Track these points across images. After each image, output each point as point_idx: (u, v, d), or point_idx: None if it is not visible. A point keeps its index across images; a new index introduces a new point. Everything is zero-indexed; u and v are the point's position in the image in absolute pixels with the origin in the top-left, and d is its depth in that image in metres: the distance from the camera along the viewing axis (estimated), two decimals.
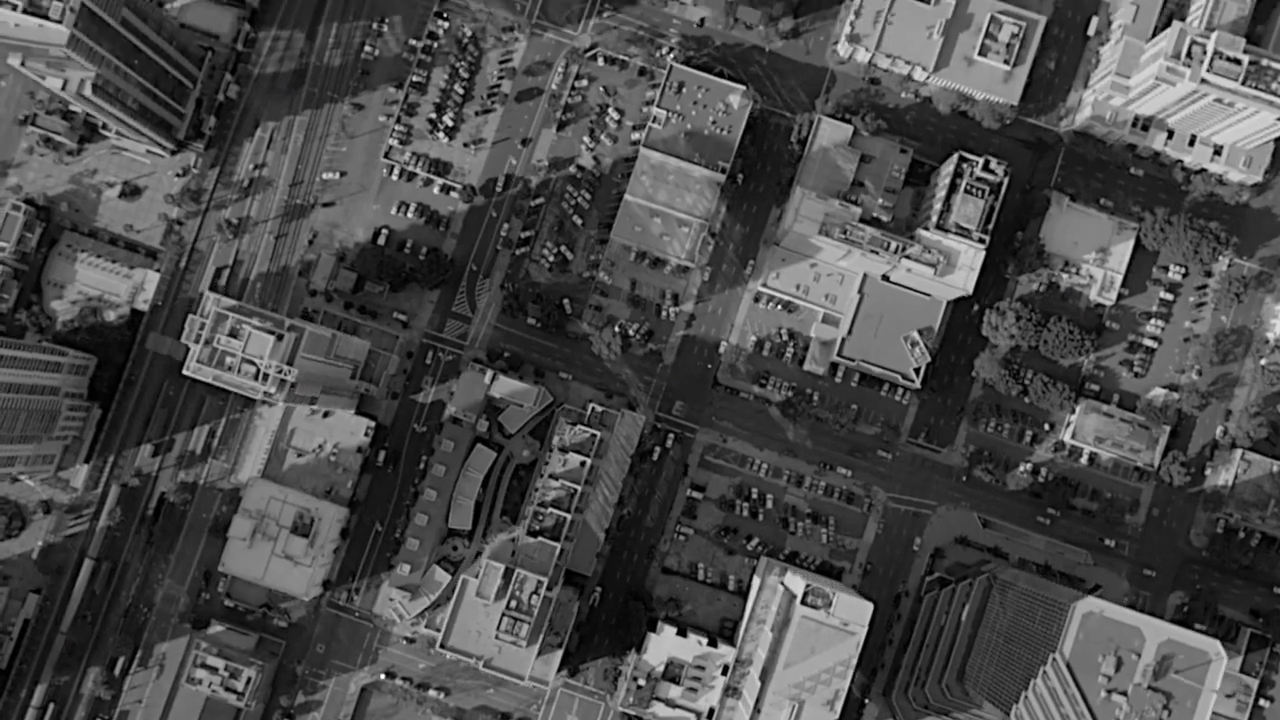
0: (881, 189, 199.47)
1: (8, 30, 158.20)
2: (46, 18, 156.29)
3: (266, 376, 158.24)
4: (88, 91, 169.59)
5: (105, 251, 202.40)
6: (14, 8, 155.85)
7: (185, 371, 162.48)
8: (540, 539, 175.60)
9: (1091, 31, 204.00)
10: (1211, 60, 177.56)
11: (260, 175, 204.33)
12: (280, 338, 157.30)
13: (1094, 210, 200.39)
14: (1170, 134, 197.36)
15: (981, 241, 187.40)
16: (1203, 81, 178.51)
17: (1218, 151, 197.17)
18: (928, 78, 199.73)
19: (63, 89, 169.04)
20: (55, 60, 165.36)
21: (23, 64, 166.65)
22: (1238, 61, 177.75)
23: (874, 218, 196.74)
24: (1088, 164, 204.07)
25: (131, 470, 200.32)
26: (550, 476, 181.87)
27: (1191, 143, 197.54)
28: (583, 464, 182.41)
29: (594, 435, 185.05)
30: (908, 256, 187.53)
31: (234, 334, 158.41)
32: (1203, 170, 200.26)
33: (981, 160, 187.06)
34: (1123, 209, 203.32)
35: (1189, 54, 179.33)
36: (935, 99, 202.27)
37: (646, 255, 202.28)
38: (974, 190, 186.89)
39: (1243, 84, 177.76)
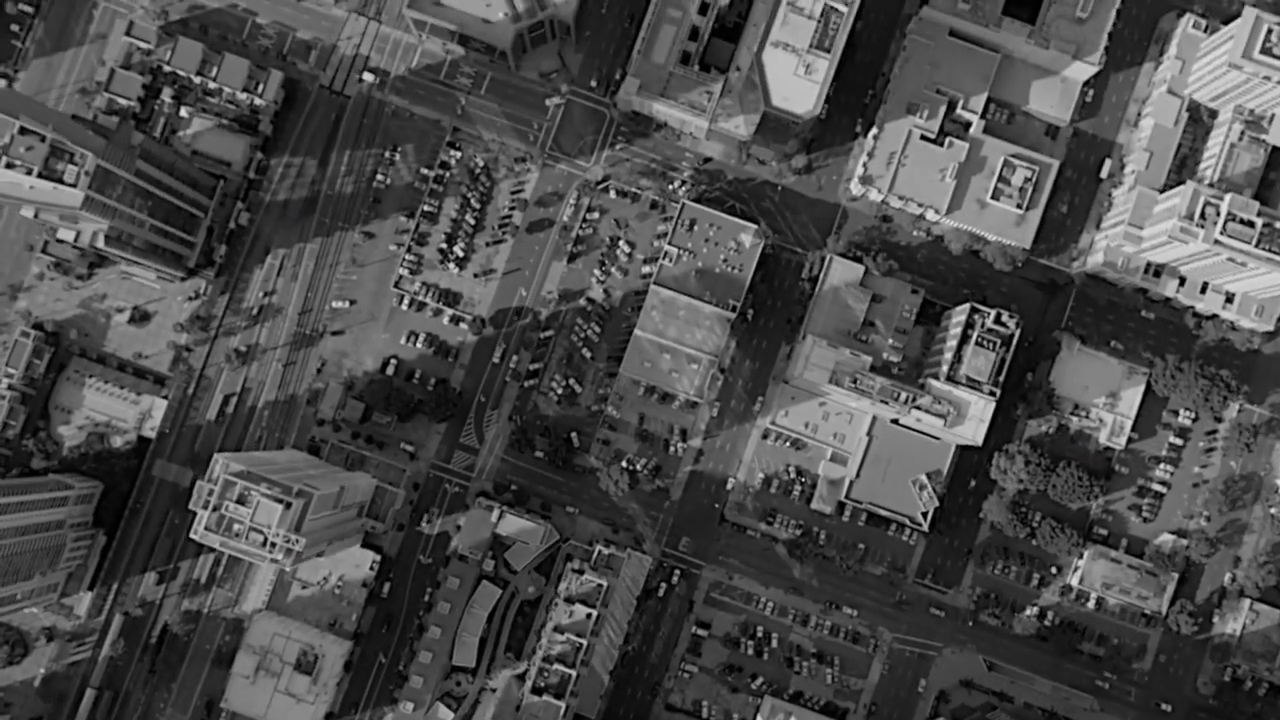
0: (892, 329, 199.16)
1: (21, 192, 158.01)
2: (61, 182, 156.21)
3: (274, 545, 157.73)
4: (100, 243, 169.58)
5: (113, 377, 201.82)
6: (29, 171, 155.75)
7: (193, 536, 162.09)
8: (545, 698, 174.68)
9: (1104, 174, 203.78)
10: (1225, 223, 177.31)
11: (270, 302, 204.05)
12: (288, 506, 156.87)
13: (1104, 354, 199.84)
14: (1182, 281, 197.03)
15: (992, 394, 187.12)
16: (1216, 242, 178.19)
17: (1229, 299, 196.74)
18: (940, 219, 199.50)
19: (75, 240, 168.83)
20: (68, 214, 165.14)
21: (36, 216, 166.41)
22: (1251, 224, 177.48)
23: (885, 362, 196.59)
24: (1099, 306, 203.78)
25: (135, 599, 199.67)
26: (556, 629, 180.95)
27: (1203, 290, 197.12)
28: (589, 616, 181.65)
29: (600, 585, 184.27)
30: (918, 407, 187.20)
31: (242, 501, 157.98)
32: (1214, 316, 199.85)
33: (993, 313, 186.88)
34: (1133, 352, 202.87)
35: (1202, 214, 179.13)
36: (947, 238, 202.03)
37: (655, 390, 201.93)
38: (985, 343, 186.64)
39: (1256, 246, 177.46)
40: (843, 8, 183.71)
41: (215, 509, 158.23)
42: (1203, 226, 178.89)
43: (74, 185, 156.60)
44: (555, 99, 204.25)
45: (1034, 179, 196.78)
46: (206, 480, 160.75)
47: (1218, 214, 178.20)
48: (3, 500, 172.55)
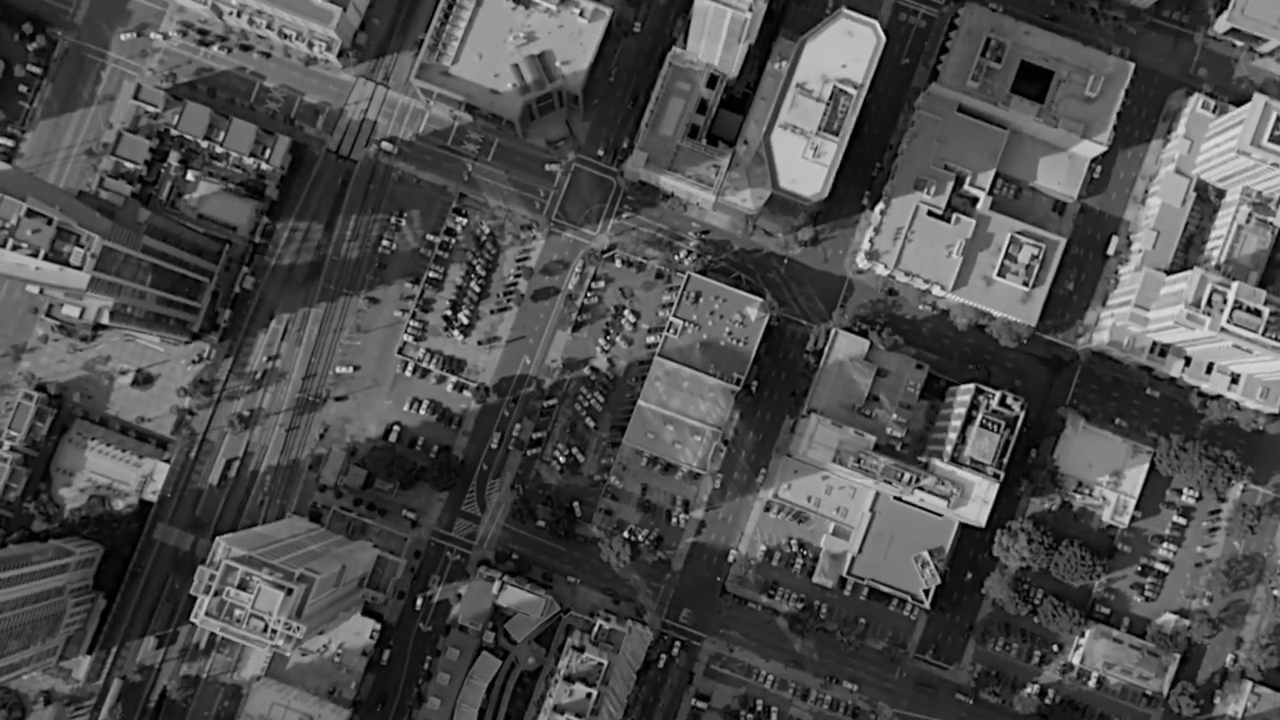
0: (896, 404, 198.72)
1: (27, 272, 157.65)
2: (67, 264, 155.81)
3: (275, 632, 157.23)
4: (105, 319, 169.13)
5: (115, 440, 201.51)
6: (35, 253, 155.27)
7: (193, 620, 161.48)
8: None
9: (1111, 251, 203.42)
10: (1232, 311, 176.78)
11: (273, 367, 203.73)
12: (290, 592, 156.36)
13: (1109, 432, 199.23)
14: (1188, 361, 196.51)
15: (996, 477, 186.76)
16: (1222, 329, 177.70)
17: (1235, 380, 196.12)
18: (946, 294, 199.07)
19: (80, 317, 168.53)
20: (74, 292, 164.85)
21: (41, 292, 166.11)
22: (1258, 312, 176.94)
23: (889, 438, 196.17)
24: (1104, 384, 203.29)
25: (134, 664, 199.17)
26: (555, 709, 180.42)
27: (1209, 370, 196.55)
28: (589, 695, 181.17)
29: (600, 663, 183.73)
30: (921, 488, 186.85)
31: (243, 586, 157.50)
32: (1219, 396, 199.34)
33: (998, 395, 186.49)
34: (1138, 430, 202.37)
35: (1209, 301, 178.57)
36: (953, 313, 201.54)
37: (658, 461, 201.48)
38: (990, 425, 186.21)
39: (1262, 334, 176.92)
40: (852, 90, 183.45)
41: (216, 594, 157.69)
42: (1209, 313, 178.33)
43: (80, 268, 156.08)
44: (556, 165, 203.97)
45: (1041, 256, 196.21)
46: (208, 565, 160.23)
47: (1225, 301, 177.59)
48: (3, 574, 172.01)
